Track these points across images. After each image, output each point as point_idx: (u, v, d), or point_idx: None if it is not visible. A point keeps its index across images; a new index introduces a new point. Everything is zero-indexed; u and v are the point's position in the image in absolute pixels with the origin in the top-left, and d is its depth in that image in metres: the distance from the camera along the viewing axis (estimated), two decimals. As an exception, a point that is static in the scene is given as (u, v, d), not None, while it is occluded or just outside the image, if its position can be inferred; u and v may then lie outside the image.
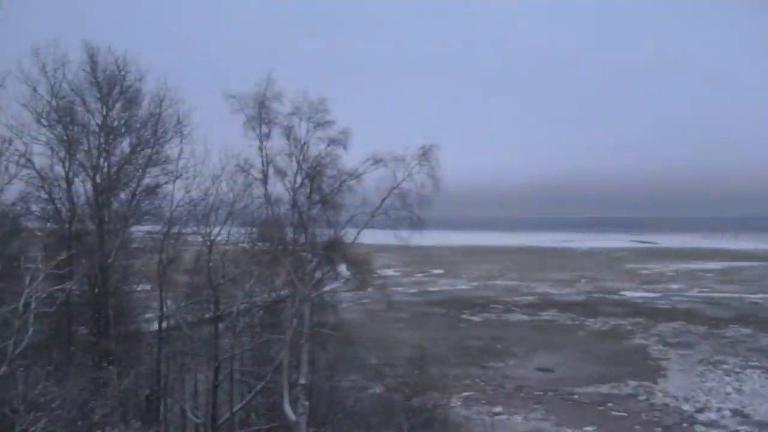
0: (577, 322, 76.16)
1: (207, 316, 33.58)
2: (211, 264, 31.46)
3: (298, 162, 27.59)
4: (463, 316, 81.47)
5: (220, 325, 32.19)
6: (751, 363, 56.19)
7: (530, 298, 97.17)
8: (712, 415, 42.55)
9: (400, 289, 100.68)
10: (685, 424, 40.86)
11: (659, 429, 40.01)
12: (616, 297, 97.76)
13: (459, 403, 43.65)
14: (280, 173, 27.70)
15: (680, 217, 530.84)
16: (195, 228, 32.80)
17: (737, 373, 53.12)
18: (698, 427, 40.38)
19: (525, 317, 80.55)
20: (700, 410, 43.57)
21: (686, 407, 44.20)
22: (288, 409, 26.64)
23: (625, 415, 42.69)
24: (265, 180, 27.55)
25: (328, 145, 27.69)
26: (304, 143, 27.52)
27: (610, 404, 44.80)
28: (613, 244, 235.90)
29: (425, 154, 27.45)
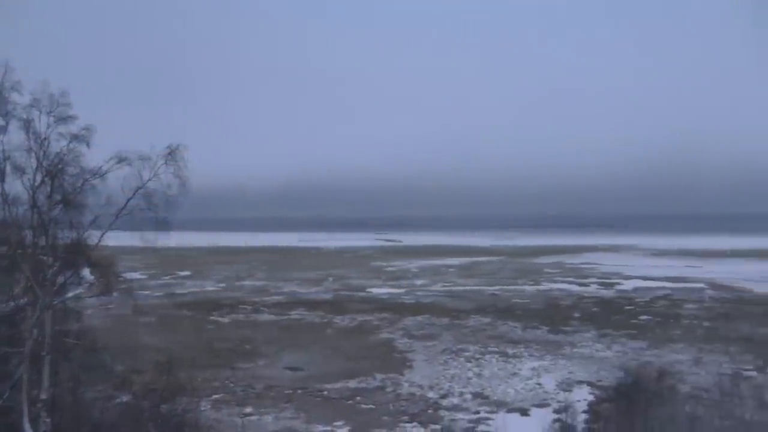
0: (326, 320, 78.17)
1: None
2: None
3: (38, 159, 25.64)
4: (212, 317, 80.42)
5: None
6: (489, 349, 61.44)
7: (278, 297, 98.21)
8: (455, 400, 45.89)
9: (146, 292, 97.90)
10: (430, 411, 43.57)
11: (406, 417, 42.20)
12: (363, 294, 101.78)
13: (209, 406, 42.97)
14: (19, 170, 25.60)
15: (427, 216, 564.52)
16: None
17: (477, 359, 57.78)
18: (443, 412, 43.27)
19: (273, 317, 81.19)
20: (444, 396, 46.76)
21: (431, 394, 47.17)
22: (28, 428, 24.72)
23: (374, 407, 44.52)
24: (2, 178, 25.38)
25: (71, 142, 26.12)
26: (45, 139, 25.65)
27: (358, 398, 46.45)
28: (360, 242, 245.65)
29: (172, 154, 26.78)
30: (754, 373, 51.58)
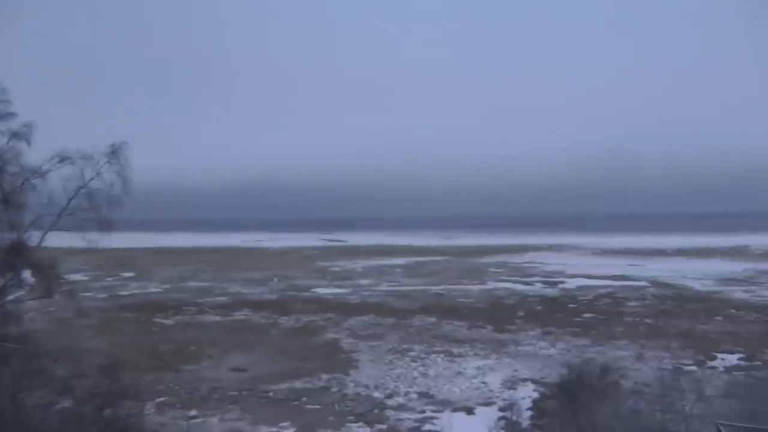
0: (271, 321, 77.64)
1: None
2: None
3: (-24, 157, 25.04)
4: (156, 319, 79.09)
5: None
6: (435, 348, 61.69)
7: (223, 298, 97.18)
8: (401, 399, 45.98)
9: (89, 294, 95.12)
10: (376, 410, 43.55)
11: (352, 417, 42.10)
12: (308, 294, 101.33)
13: (153, 410, 42.15)
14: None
15: (372, 216, 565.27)
16: None
17: (423, 358, 57.97)
18: (388, 411, 43.31)
19: (218, 318, 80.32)
20: (389, 396, 46.80)
21: (377, 394, 47.19)
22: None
23: (319, 407, 44.30)
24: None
25: (10, 140, 25.50)
26: (-19, 137, 25.05)
27: (304, 398, 46.19)
28: (305, 242, 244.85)
29: (115, 152, 26.39)
30: (694, 368, 52.93)
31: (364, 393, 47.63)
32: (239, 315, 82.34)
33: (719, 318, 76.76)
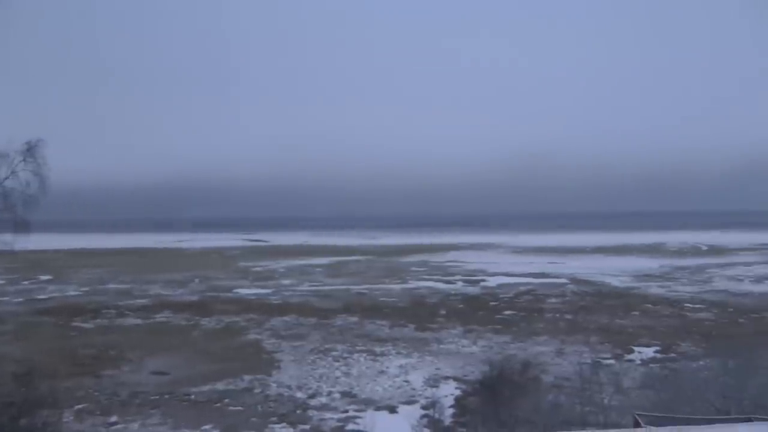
0: (192, 322, 76.43)
1: None
2: None
3: None
4: (75, 323, 76.74)
5: None
6: (357, 348, 61.87)
7: (144, 300, 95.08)
8: (324, 399, 45.96)
9: (4, 298, 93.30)
10: (299, 411, 43.41)
11: (275, 418, 41.85)
12: (230, 295, 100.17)
13: (72, 418, 40.91)
14: None
15: (294, 216, 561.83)
16: None
17: (345, 358, 58.04)
18: (311, 412, 43.22)
19: (139, 321, 78.54)
20: (312, 396, 46.72)
21: (300, 395, 47.04)
22: None
23: (242, 409, 43.89)
24: None
25: None
26: None
27: (226, 400, 45.65)
28: (226, 243, 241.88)
29: (30, 150, 25.48)
30: (612, 361, 54.74)
31: (286, 393, 47.39)
32: (160, 317, 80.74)
33: (636, 313, 79.50)
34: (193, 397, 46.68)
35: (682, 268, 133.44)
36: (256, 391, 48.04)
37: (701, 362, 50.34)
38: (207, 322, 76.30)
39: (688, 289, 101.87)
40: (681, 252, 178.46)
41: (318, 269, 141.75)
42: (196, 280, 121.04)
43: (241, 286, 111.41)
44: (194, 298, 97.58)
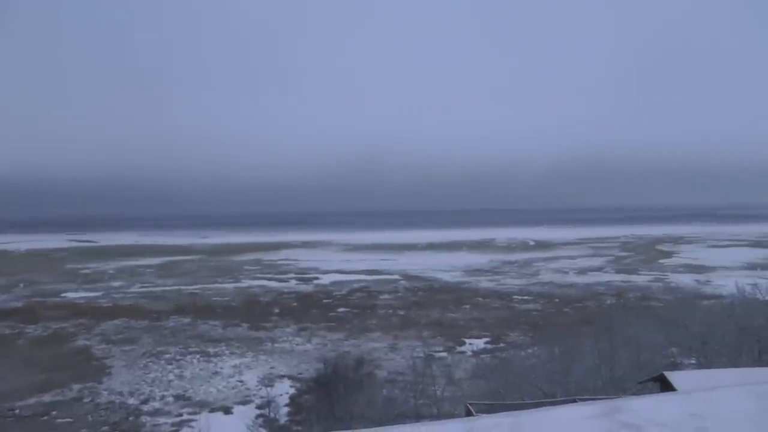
0: (16, 331, 71.15)
1: None
2: None
3: None
4: None
5: None
6: (190, 349, 60.13)
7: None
8: (157, 404, 44.34)
9: None
10: (131, 418, 41.65)
11: (106, 428, 39.99)
12: (57, 299, 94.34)
13: None
14: None
15: (124, 216, 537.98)
16: None
17: (178, 360, 56.27)
18: (144, 418, 41.58)
19: (-46, 331, 72.17)
20: (145, 401, 44.95)
21: (132, 401, 45.11)
22: None
23: (71, 420, 41.56)
24: None
25: None
26: None
27: (54, 412, 43.00)
28: (53, 244, 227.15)
29: None
30: (444, 354, 56.50)
31: (118, 400, 45.28)
32: (-21, 326, 74.61)
33: (467, 306, 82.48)
34: (17, 411, 43.55)
35: (511, 263, 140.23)
36: (86, 400, 45.55)
37: (529, 350, 52.68)
38: (33, 330, 71.35)
39: (517, 282, 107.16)
40: (509, 247, 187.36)
41: (149, 270, 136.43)
42: (21, 285, 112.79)
43: (69, 290, 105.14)
44: (19, 304, 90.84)
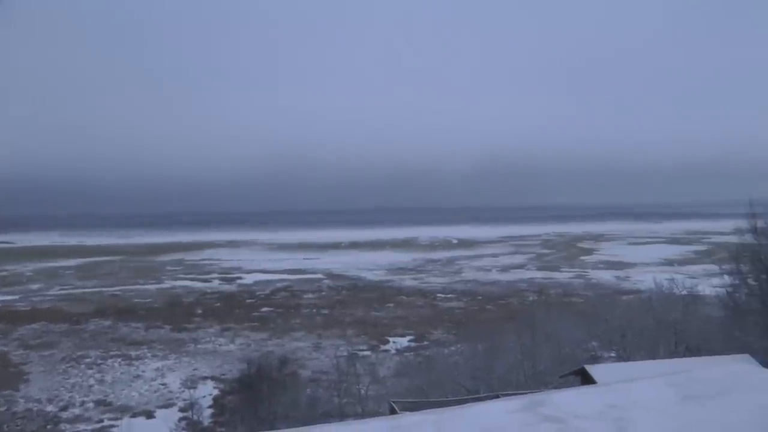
0: (-74, 338, 67.74)
1: None
2: None
3: None
4: None
5: None
6: (112, 353, 58.50)
7: None
8: (77, 410, 42.99)
9: None
10: (49, 426, 40.29)
11: (24, 436, 38.49)
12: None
13: None
14: None
15: (40, 215, 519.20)
16: None
17: (99, 364, 54.66)
18: (63, 425, 40.30)
19: None
20: (64, 408, 43.53)
21: (50, 408, 43.62)
22: None
23: (-14, 430, 39.83)
24: None
25: None
26: None
27: (-33, 423, 41.17)
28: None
29: None
30: (368, 353, 56.43)
31: (36, 408, 43.67)
32: None
33: (391, 305, 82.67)
34: (-73, 421, 41.54)
35: (434, 261, 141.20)
36: (2, 409, 43.72)
37: (452, 348, 52.93)
38: (-57, 336, 68.11)
39: (440, 280, 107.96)
40: (432, 246, 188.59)
41: (69, 271, 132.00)
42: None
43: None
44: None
